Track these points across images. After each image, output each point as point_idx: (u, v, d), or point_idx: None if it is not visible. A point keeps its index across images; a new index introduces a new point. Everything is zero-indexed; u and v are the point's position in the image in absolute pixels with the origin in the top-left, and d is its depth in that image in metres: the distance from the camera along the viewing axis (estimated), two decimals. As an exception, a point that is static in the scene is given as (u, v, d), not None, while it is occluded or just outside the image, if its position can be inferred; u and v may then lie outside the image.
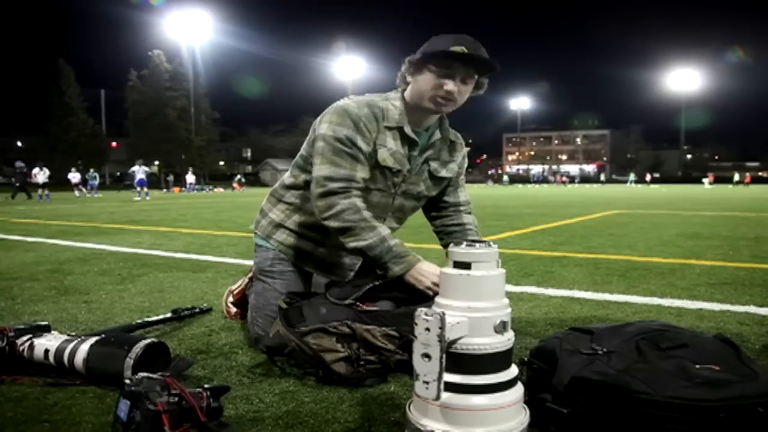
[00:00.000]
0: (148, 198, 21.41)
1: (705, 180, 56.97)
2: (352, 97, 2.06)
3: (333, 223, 1.94)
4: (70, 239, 6.14)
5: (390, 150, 2.02)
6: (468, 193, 2.35)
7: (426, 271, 1.88)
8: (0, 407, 1.55)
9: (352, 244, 1.93)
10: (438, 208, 2.31)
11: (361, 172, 1.97)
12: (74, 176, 28.56)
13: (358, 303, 1.89)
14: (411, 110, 2.04)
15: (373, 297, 1.93)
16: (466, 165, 2.33)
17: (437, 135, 2.12)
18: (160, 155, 58.44)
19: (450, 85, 1.90)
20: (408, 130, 2.03)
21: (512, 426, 1.16)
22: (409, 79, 2.00)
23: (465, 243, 1.20)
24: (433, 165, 2.14)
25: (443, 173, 2.18)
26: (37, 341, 1.77)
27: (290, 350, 1.75)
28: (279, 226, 2.19)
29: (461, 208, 2.30)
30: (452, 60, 1.89)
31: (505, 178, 74.94)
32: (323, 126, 1.99)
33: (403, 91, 2.06)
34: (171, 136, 56.86)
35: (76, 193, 27.15)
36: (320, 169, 1.96)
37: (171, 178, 40.96)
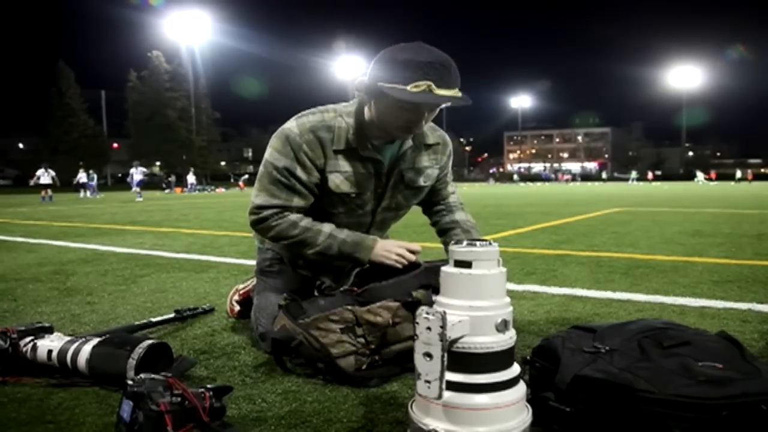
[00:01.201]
0: (140, 199, 21.41)
1: (699, 174, 56.15)
2: (303, 115, 1.92)
3: (281, 243, 1.95)
4: (73, 240, 6.15)
5: (345, 174, 1.90)
6: (456, 190, 2.28)
7: (389, 245, 1.89)
8: (4, 408, 1.55)
9: (310, 252, 1.92)
10: (431, 207, 2.27)
11: (298, 202, 1.91)
12: (82, 176, 28.46)
13: (353, 288, 1.90)
14: (375, 128, 1.86)
15: (364, 283, 1.95)
16: (450, 159, 2.21)
17: (408, 143, 1.96)
18: (161, 156, 58.57)
19: (419, 125, 1.78)
20: (366, 151, 1.89)
21: (514, 425, 1.16)
22: (364, 101, 1.85)
23: (466, 242, 1.20)
24: (408, 175, 2.02)
25: (420, 182, 2.06)
26: (40, 342, 1.77)
27: (297, 344, 1.75)
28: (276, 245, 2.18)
29: (452, 205, 2.25)
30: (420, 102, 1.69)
31: (516, 177, 74.76)
32: (267, 151, 1.92)
33: (361, 104, 1.89)
34: (172, 137, 56.94)
35: (81, 194, 27.08)
36: (256, 196, 1.93)
37: (173, 178, 40.89)
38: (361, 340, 1.74)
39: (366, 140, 1.90)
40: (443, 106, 1.74)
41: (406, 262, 1.88)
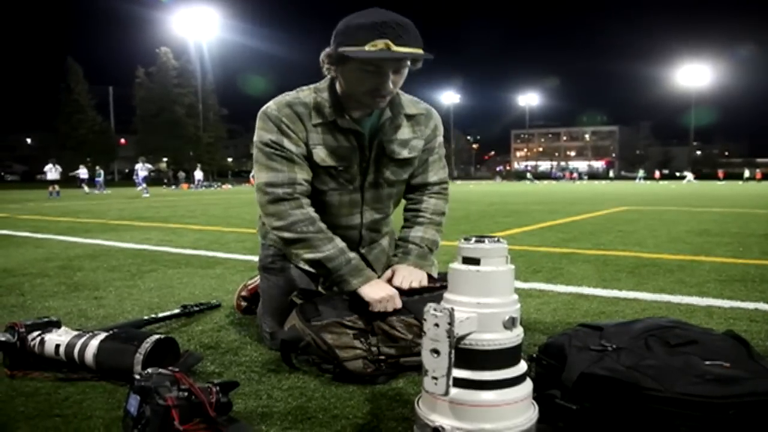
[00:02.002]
0: (147, 195, 21.52)
1: (687, 174, 55.62)
2: (280, 96, 1.95)
3: (285, 234, 1.88)
4: (80, 236, 6.17)
5: (329, 147, 1.91)
6: (445, 177, 2.20)
7: (380, 286, 1.83)
8: (12, 402, 1.56)
9: (308, 256, 1.87)
10: (408, 192, 2.18)
11: (301, 174, 1.89)
12: (83, 172, 28.51)
13: None
14: (349, 98, 1.88)
15: None
16: (440, 138, 2.15)
17: (387, 114, 1.94)
18: (169, 152, 58.69)
19: (385, 87, 1.77)
20: (344, 122, 1.89)
21: (521, 422, 1.16)
22: (332, 73, 1.85)
23: (474, 238, 1.20)
24: (390, 147, 1.98)
25: (404, 154, 2.01)
26: (47, 336, 1.78)
27: (305, 344, 1.75)
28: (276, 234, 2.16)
29: (428, 189, 2.15)
30: (379, 62, 1.72)
31: (529, 175, 74.65)
32: (255, 134, 1.93)
33: (333, 78, 1.90)
34: (179, 133, 57.10)
35: (86, 189, 27.13)
36: (260, 177, 1.91)
37: (182, 174, 40.78)
38: (374, 349, 1.73)
39: (343, 112, 1.90)
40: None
41: (390, 308, 1.79)
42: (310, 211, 1.89)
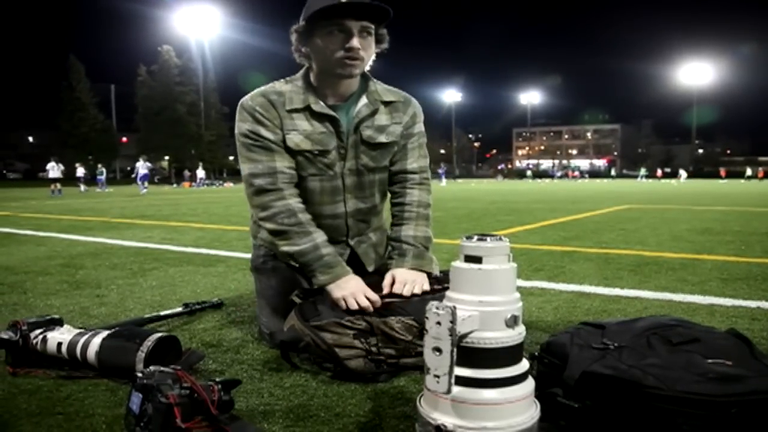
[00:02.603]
0: (145, 192, 21.62)
1: (682, 173, 55.07)
2: (256, 89, 2.00)
3: (268, 225, 1.92)
4: (82, 234, 6.18)
5: (304, 132, 1.93)
6: (425, 166, 2.17)
7: (347, 284, 1.84)
8: (14, 399, 1.56)
9: (285, 248, 1.91)
10: (391, 184, 2.16)
11: (281, 162, 1.92)
12: (80, 171, 28.33)
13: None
14: (324, 83, 1.94)
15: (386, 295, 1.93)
16: (419, 125, 2.15)
17: (363, 100, 1.98)
18: (170, 150, 58.74)
19: (353, 42, 1.80)
20: (318, 106, 1.92)
21: (523, 420, 1.16)
22: (305, 50, 1.90)
23: (476, 236, 1.20)
24: (367, 133, 1.99)
25: (381, 138, 2.02)
26: (50, 334, 1.78)
27: (305, 345, 1.75)
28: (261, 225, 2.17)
29: (409, 177, 2.13)
30: (342, 15, 1.78)
31: (528, 173, 74.88)
32: (235, 127, 1.97)
33: (308, 68, 1.96)
34: (181, 131, 57.11)
35: (81, 188, 26.94)
36: (243, 169, 1.95)
37: (187, 173, 40.43)
38: (374, 349, 1.73)
39: (317, 98, 1.94)
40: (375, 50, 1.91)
41: (354, 306, 1.79)
42: (292, 202, 1.92)
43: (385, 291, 1.88)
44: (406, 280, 1.90)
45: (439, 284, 1.93)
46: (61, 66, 60.44)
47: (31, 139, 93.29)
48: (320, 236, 1.91)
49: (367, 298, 1.81)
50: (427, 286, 1.91)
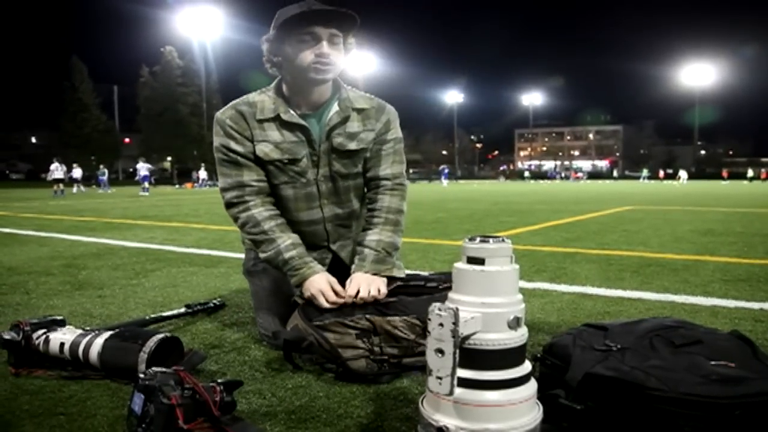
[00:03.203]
0: (146, 193, 21.68)
1: (682, 173, 54.51)
2: (230, 103, 2.05)
3: (243, 236, 2.03)
4: (84, 234, 6.19)
5: (273, 142, 1.97)
6: (401, 172, 2.14)
7: (313, 284, 1.87)
8: (16, 400, 1.56)
9: (261, 256, 1.99)
10: (367, 189, 2.18)
11: (249, 175, 1.99)
12: (76, 171, 28.05)
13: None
14: (295, 92, 1.98)
15: (391, 293, 1.94)
16: (394, 131, 2.13)
17: (334, 108, 2.02)
18: (173, 151, 58.78)
19: (323, 47, 1.85)
20: (288, 115, 1.96)
21: (525, 422, 1.15)
22: (276, 59, 1.95)
23: (479, 238, 1.19)
24: (338, 140, 2.01)
25: (352, 146, 2.04)
26: (52, 335, 1.78)
27: (308, 344, 1.75)
28: None
29: (381, 183, 2.11)
30: (311, 23, 1.83)
31: (527, 174, 74.99)
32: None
33: (281, 79, 2.02)
34: (183, 132, 57.14)
35: (74, 189, 26.67)
36: (219, 182, 2.04)
37: (202, 173, 39.87)
38: (377, 349, 1.73)
39: (288, 108, 1.98)
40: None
41: (324, 305, 1.83)
42: (256, 212, 1.98)
43: (351, 299, 1.87)
44: (360, 283, 1.90)
45: (401, 286, 1.97)
46: (64, 67, 60.54)
47: (33, 139, 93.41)
48: (285, 241, 1.95)
49: (335, 292, 1.86)
50: (384, 289, 1.91)
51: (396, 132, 2.15)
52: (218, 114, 2.01)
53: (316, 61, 1.86)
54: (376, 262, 1.99)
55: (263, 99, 2.00)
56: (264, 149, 1.96)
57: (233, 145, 1.96)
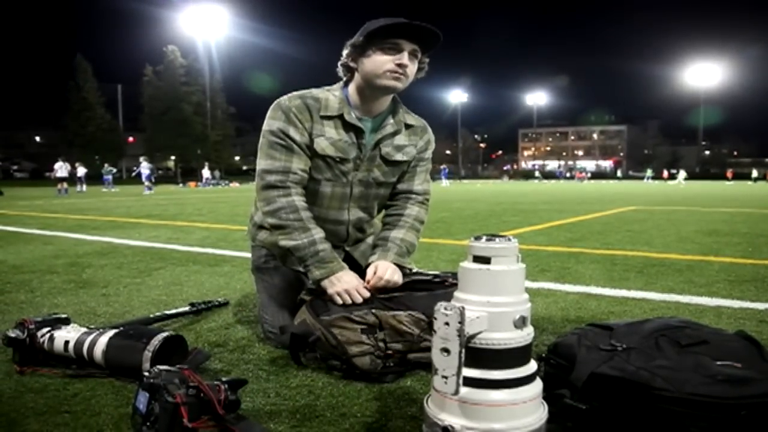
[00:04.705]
0: (148, 192, 21.80)
1: (680, 174, 54.16)
2: (294, 92, 2.08)
3: (270, 220, 1.99)
4: (88, 233, 6.20)
5: (330, 139, 2.01)
6: (429, 189, 2.28)
7: (342, 279, 1.90)
8: (22, 398, 1.57)
9: (283, 242, 1.98)
10: (390, 195, 2.25)
11: (297, 163, 2.00)
12: (80, 170, 27.88)
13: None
14: (360, 97, 2.04)
15: (400, 287, 1.96)
16: (430, 151, 2.27)
17: (389, 120, 2.10)
18: (176, 150, 58.84)
19: (404, 58, 1.91)
20: (350, 117, 2.02)
21: (531, 421, 1.15)
22: (353, 64, 2.00)
23: (485, 237, 1.19)
24: (386, 149, 2.10)
25: (398, 157, 2.13)
26: (56, 333, 1.79)
27: (315, 339, 1.75)
28: (260, 227, 2.21)
29: (412, 196, 2.23)
30: (399, 36, 1.90)
31: (537, 173, 74.87)
32: (264, 123, 2.04)
33: (348, 80, 2.07)
34: (187, 131, 57.17)
35: (78, 188, 26.45)
36: (259, 164, 2.03)
37: (217, 172, 39.51)
38: (381, 344, 1.73)
39: (350, 109, 2.04)
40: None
41: (348, 301, 1.86)
42: (296, 199, 1.99)
43: (370, 281, 1.95)
44: (383, 268, 1.98)
45: (409, 282, 2.00)
46: (69, 66, 60.62)
47: (38, 138, 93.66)
48: (319, 233, 1.97)
49: (361, 296, 1.88)
50: (400, 280, 1.99)
51: (431, 153, 2.29)
52: (284, 100, 2.03)
53: (394, 69, 1.92)
54: (399, 255, 2.08)
55: (328, 97, 2.04)
56: (321, 144, 2.00)
57: (292, 132, 1.99)
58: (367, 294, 1.89)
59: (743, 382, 1.26)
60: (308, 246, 1.93)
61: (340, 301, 1.85)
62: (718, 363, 1.34)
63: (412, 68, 1.96)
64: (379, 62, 1.92)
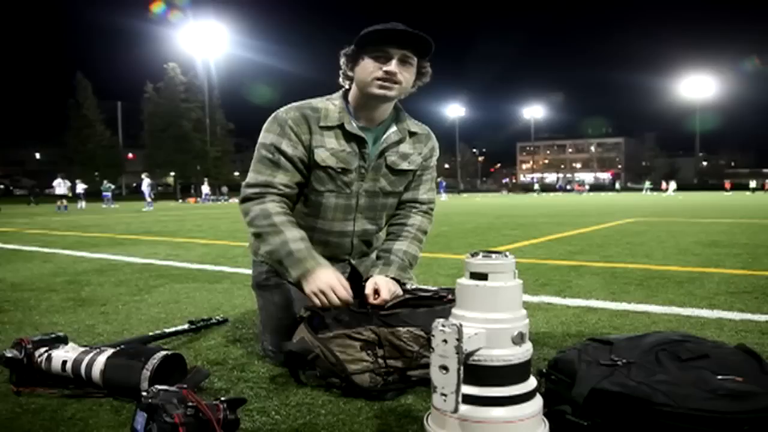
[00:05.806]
0: (148, 208, 21.81)
1: (670, 185, 54.46)
2: (293, 103, 2.07)
3: (249, 230, 2.00)
4: (87, 250, 6.19)
5: (331, 150, 1.99)
6: (433, 198, 2.26)
7: (318, 278, 1.85)
8: (18, 419, 1.56)
9: (262, 249, 1.98)
10: (396, 207, 2.23)
11: (282, 178, 1.98)
12: (80, 186, 27.78)
13: (379, 307, 1.89)
14: (360, 106, 2.02)
15: (398, 303, 1.93)
16: (435, 159, 2.26)
17: (393, 128, 2.08)
18: (176, 166, 58.89)
19: (391, 65, 1.89)
20: (351, 126, 2.00)
21: (531, 439, 1.14)
22: (350, 73, 2.00)
23: (481, 253, 1.19)
24: (391, 158, 2.08)
25: (403, 166, 2.11)
26: (54, 353, 1.77)
27: (314, 357, 1.74)
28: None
29: (416, 205, 2.21)
30: (386, 42, 1.88)
31: (536, 186, 75.19)
32: (260, 135, 2.04)
33: (347, 90, 2.06)
34: (186, 147, 57.27)
35: (78, 205, 26.24)
36: (247, 179, 2.04)
37: (205, 188, 39.71)
38: (381, 361, 1.72)
39: (351, 118, 2.02)
40: (418, 83, 2.02)
41: (325, 301, 1.83)
42: (270, 206, 1.96)
43: (369, 299, 1.91)
44: (381, 284, 1.95)
45: (409, 298, 1.96)
46: (69, 83, 60.82)
47: (38, 155, 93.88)
48: (292, 234, 1.92)
49: (338, 296, 1.84)
50: (400, 292, 1.97)
51: (435, 161, 2.27)
52: (280, 112, 2.02)
53: (382, 77, 1.90)
54: (401, 269, 2.05)
55: (328, 106, 2.03)
56: (322, 155, 1.99)
57: (284, 145, 1.97)
58: (348, 293, 1.84)
59: (745, 396, 1.25)
60: (281, 247, 1.90)
61: (316, 301, 1.82)
62: (719, 377, 1.34)
63: (405, 75, 1.94)
64: (368, 70, 1.91)
